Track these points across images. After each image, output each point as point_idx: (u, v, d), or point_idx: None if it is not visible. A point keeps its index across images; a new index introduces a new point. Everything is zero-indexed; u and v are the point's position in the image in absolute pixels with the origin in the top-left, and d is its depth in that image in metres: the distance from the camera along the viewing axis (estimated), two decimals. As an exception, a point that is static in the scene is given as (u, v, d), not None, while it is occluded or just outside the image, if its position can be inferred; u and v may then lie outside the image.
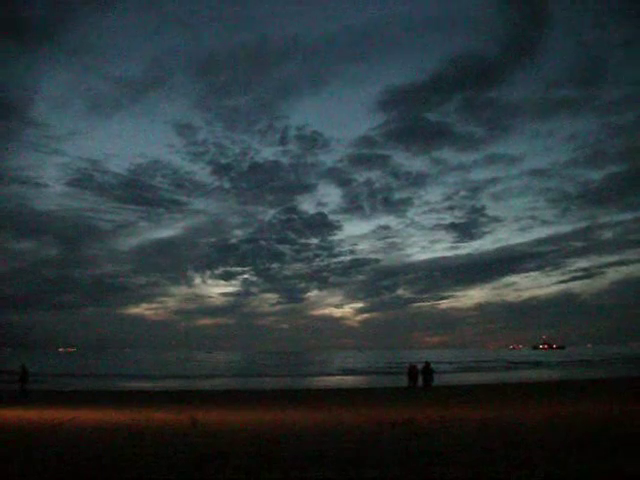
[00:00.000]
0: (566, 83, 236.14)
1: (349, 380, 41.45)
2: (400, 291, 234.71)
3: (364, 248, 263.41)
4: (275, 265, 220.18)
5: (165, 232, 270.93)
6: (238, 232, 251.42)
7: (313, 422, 13.00)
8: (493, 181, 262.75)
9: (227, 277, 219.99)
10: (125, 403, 19.29)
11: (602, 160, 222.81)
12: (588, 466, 6.60)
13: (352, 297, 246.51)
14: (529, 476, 6.18)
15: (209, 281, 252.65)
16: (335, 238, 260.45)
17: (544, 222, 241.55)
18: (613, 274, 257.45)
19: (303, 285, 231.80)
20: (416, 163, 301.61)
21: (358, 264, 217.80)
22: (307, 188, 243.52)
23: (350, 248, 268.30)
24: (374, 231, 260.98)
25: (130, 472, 6.75)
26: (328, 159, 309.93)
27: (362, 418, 14.05)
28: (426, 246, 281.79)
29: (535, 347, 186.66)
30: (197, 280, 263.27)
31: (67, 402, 19.68)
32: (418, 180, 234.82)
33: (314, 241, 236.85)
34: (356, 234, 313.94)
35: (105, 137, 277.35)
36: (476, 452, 7.84)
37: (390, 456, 7.67)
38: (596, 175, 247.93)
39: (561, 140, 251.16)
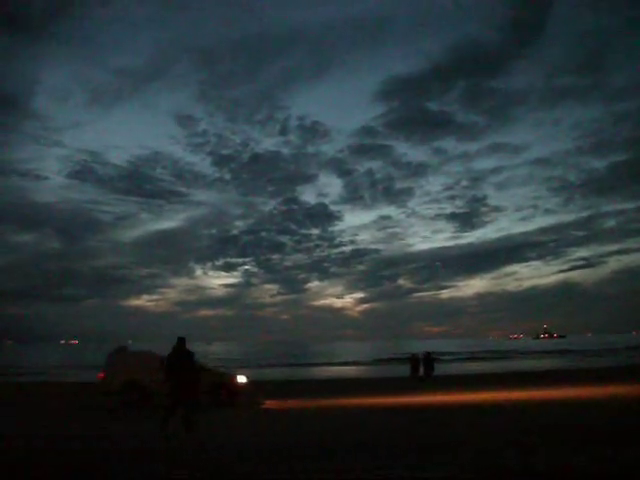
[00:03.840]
0: (569, 71, 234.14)
1: (350, 370, 41.53)
2: (401, 281, 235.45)
3: (365, 238, 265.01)
4: (276, 256, 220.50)
5: (166, 223, 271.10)
6: (239, 223, 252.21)
7: (316, 412, 12.95)
8: (496, 170, 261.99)
9: (228, 268, 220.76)
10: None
11: (606, 149, 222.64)
12: (591, 453, 6.50)
13: (353, 287, 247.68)
14: (531, 462, 6.08)
15: (210, 272, 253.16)
16: (336, 228, 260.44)
17: (546, 211, 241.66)
18: (614, 263, 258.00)
19: (304, 276, 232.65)
20: (417, 153, 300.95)
21: (359, 254, 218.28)
22: (308, 178, 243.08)
23: (351, 238, 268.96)
24: (375, 221, 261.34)
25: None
26: (329, 149, 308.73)
27: (364, 407, 14.00)
28: (427, 236, 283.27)
29: (536, 336, 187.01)
30: (198, 271, 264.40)
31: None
32: (419, 170, 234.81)
33: (315, 231, 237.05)
34: (357, 224, 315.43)
35: (106, 129, 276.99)
36: (478, 438, 7.74)
37: (395, 444, 7.57)
38: (600, 164, 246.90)
39: (565, 128, 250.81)
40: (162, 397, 12.67)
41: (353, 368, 45.28)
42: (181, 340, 9.24)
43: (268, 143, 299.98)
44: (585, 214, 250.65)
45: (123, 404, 13.62)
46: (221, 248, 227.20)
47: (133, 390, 13.73)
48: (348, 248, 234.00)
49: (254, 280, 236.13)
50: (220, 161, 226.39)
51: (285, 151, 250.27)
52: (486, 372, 31.04)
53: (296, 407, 14.59)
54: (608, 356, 52.26)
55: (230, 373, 15.95)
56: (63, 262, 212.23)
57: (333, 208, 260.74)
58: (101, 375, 14.34)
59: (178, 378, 8.88)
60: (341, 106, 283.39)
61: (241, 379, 14.85)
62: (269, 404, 15.05)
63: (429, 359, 25.92)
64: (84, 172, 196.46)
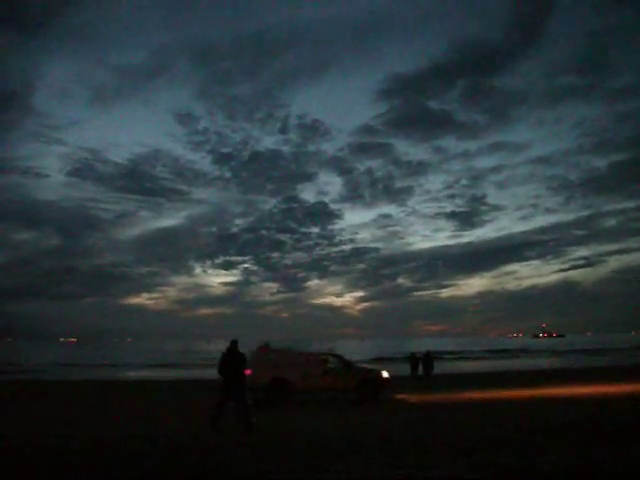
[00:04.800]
0: (571, 70, 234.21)
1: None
2: (401, 280, 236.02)
3: (365, 237, 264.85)
4: (275, 254, 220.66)
5: (166, 222, 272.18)
6: (239, 221, 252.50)
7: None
8: (496, 169, 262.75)
9: (227, 266, 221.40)
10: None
11: (607, 148, 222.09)
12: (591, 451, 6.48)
13: (352, 286, 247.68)
14: (533, 461, 6.04)
15: (210, 270, 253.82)
16: (336, 227, 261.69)
17: (547, 210, 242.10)
18: (614, 262, 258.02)
19: (303, 274, 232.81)
20: (417, 151, 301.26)
21: (359, 253, 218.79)
22: (308, 177, 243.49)
23: (351, 237, 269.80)
24: (375, 220, 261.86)
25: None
26: (329, 148, 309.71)
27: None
28: (427, 235, 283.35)
29: (535, 336, 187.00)
30: (198, 269, 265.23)
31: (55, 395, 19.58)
32: (419, 169, 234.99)
33: (315, 230, 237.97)
34: (357, 223, 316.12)
35: (106, 126, 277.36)
36: (478, 438, 7.70)
37: (399, 442, 7.53)
38: (601, 163, 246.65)
39: (566, 127, 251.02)
40: (304, 394, 14.57)
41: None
42: (234, 342, 9.89)
43: (268, 141, 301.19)
44: (585, 213, 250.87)
45: (267, 399, 14.26)
46: (221, 246, 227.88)
47: (279, 386, 14.37)
48: (348, 247, 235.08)
49: (254, 278, 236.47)
50: (220, 159, 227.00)
51: (285, 149, 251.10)
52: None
53: (430, 400, 15.04)
54: (612, 355, 52.33)
55: (375, 369, 16.44)
56: (63, 260, 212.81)
57: (333, 207, 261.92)
58: (248, 371, 14.63)
59: (229, 377, 9.55)
60: (341, 104, 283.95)
61: (385, 374, 15.40)
62: (401, 397, 15.74)
63: (429, 358, 25.87)
64: (84, 170, 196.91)
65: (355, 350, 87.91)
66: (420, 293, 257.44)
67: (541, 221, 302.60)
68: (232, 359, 9.69)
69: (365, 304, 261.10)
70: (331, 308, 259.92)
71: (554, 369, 32.61)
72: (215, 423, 9.36)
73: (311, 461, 6.30)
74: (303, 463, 6.19)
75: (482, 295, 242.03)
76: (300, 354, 15.11)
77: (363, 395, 14.68)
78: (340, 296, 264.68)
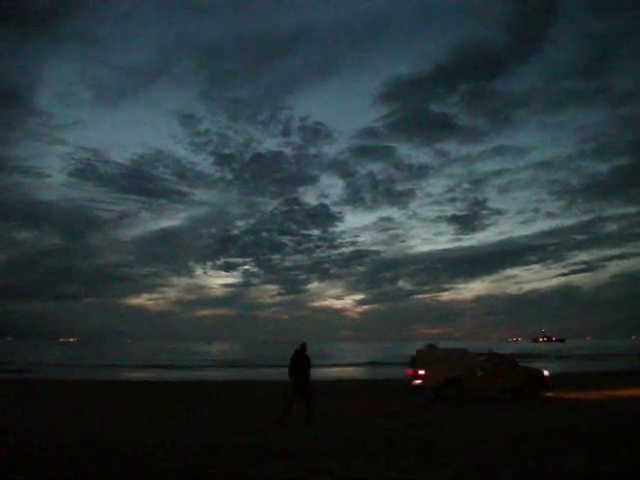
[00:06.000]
0: (574, 74, 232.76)
1: (350, 371, 41.41)
2: (401, 283, 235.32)
3: (365, 240, 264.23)
4: (276, 256, 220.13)
5: (167, 222, 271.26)
6: (240, 223, 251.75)
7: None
8: (498, 173, 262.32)
9: (228, 268, 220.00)
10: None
11: (609, 153, 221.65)
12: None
13: (353, 289, 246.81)
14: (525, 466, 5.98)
15: (210, 272, 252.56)
16: (336, 229, 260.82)
17: (548, 214, 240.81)
18: (614, 267, 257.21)
19: (304, 276, 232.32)
20: (419, 155, 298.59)
21: (359, 256, 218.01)
22: (309, 179, 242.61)
23: (351, 240, 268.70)
24: (376, 223, 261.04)
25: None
26: (331, 150, 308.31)
27: (364, 409, 13.90)
28: (428, 238, 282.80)
29: (534, 340, 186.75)
30: (198, 271, 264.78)
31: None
32: (421, 172, 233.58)
33: (315, 232, 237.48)
34: (358, 226, 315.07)
35: (108, 127, 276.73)
36: (475, 442, 7.63)
37: (397, 447, 7.46)
38: (602, 168, 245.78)
39: (568, 132, 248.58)
40: (478, 393, 15.18)
41: (360, 369, 45.17)
42: (303, 345, 10.81)
43: (270, 143, 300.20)
44: (586, 218, 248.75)
45: (440, 399, 14.78)
46: (221, 248, 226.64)
47: (453, 386, 14.78)
48: (348, 249, 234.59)
49: (254, 280, 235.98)
50: (222, 161, 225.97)
51: (287, 152, 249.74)
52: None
53: (582, 399, 15.29)
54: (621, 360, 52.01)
55: (538, 368, 16.85)
56: (63, 260, 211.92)
57: (334, 209, 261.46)
58: (422, 372, 14.99)
59: (297, 377, 10.47)
60: (343, 107, 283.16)
61: (546, 373, 15.97)
62: (551, 395, 15.92)
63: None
64: (86, 170, 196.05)
65: (355, 353, 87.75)
66: (420, 296, 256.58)
67: (542, 225, 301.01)
68: (298, 360, 10.53)
69: (365, 307, 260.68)
70: (331, 311, 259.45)
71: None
72: (283, 419, 10.16)
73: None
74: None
75: (482, 299, 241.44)
76: (468, 354, 15.38)
77: (528, 394, 15.14)
78: (340, 299, 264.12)
